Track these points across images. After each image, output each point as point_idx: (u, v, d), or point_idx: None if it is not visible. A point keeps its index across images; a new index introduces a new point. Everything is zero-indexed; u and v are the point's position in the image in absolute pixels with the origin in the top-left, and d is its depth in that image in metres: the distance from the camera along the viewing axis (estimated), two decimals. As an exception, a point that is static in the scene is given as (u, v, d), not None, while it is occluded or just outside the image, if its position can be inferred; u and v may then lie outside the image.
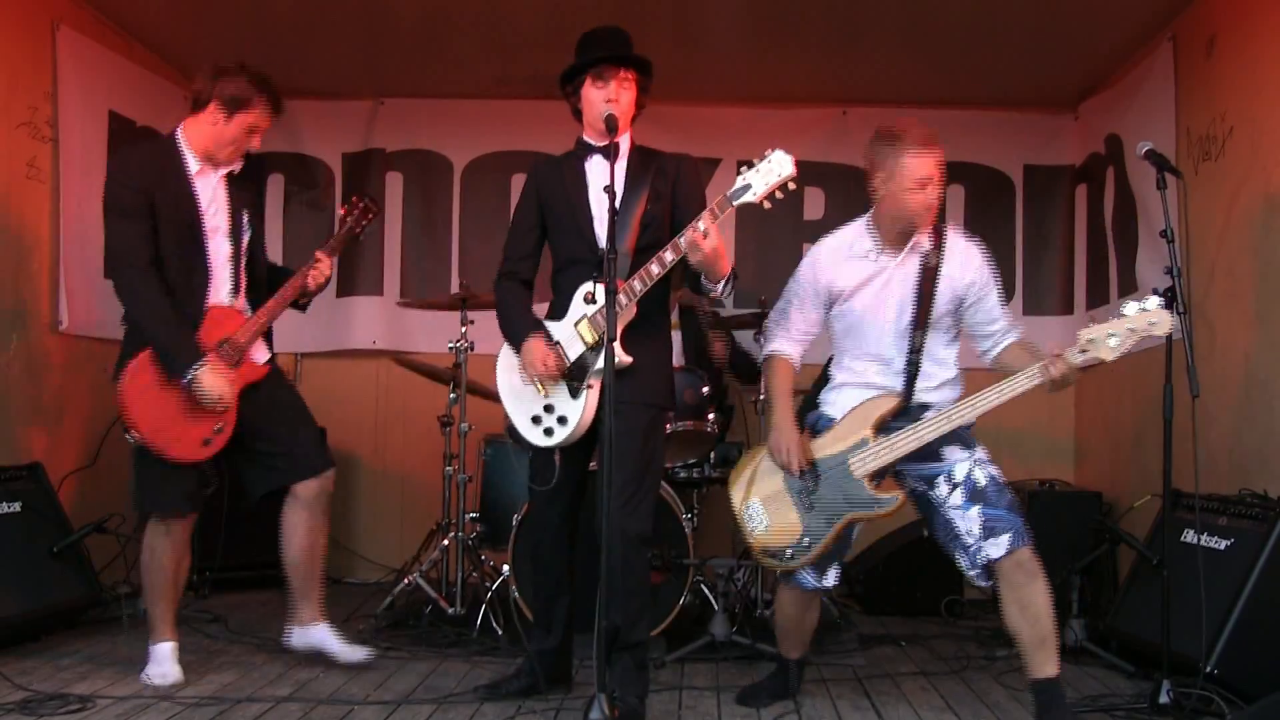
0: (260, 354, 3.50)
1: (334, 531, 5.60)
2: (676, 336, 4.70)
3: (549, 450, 3.18)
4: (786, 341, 3.24)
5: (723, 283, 3.06)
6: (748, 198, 2.95)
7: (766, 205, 2.98)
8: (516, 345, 3.17)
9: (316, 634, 3.63)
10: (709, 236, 2.91)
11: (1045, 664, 2.90)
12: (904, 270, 3.08)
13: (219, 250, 3.42)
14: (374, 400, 5.88)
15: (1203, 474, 3.38)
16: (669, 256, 2.99)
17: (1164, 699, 3.10)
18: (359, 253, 5.80)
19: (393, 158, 5.88)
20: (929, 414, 3.01)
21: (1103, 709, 3.22)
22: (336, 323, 5.77)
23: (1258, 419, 3.88)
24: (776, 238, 5.70)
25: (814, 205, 5.64)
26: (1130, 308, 2.85)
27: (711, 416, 4.27)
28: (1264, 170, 3.87)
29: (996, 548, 2.88)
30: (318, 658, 3.71)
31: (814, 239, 5.61)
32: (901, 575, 4.87)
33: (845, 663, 3.85)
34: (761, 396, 4.52)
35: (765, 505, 3.14)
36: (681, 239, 2.95)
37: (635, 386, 3.05)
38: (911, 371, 3.06)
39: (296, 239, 5.79)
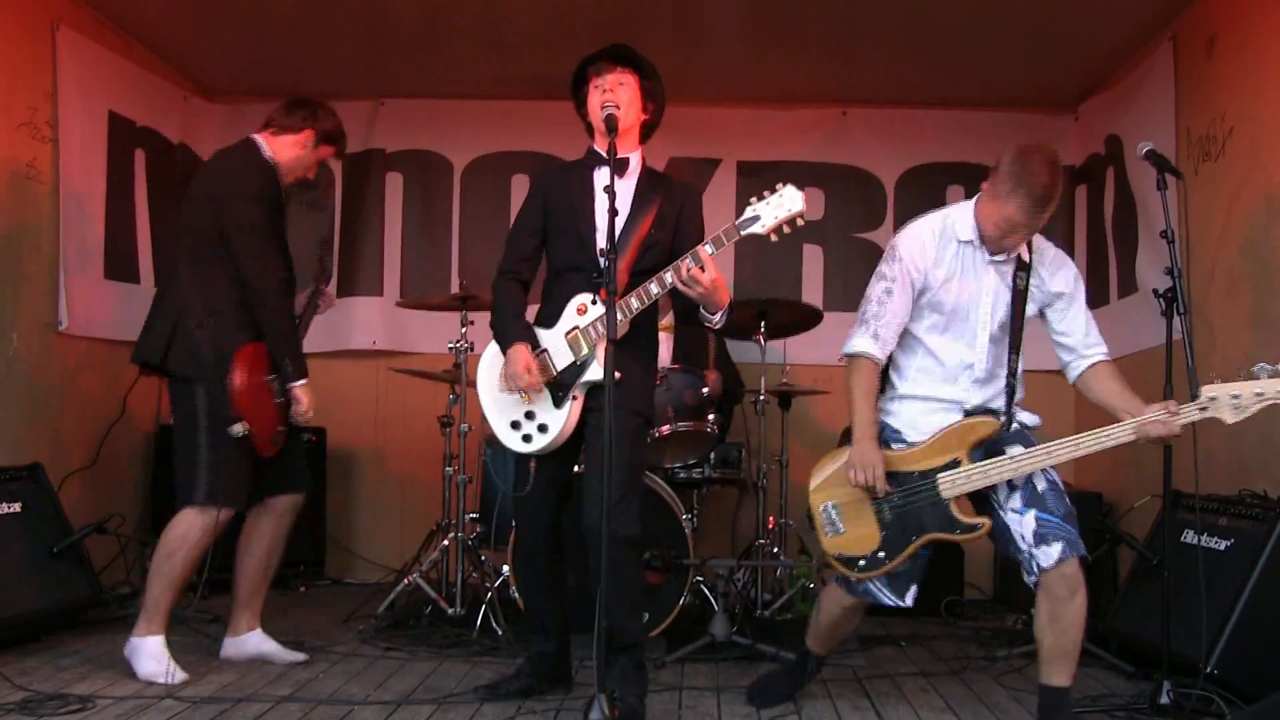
0: None
1: (334, 531, 5.68)
2: (669, 339, 4.70)
3: (525, 457, 3.20)
4: (877, 341, 3.02)
5: (720, 314, 3.04)
6: (755, 229, 2.94)
7: (773, 238, 2.97)
8: (504, 346, 3.16)
9: (252, 641, 3.68)
10: (707, 270, 2.90)
11: (1059, 674, 2.85)
12: (999, 268, 2.99)
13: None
14: (374, 400, 5.88)
15: (1203, 474, 3.37)
16: (669, 278, 2.97)
17: (1164, 699, 3.10)
18: (359, 253, 5.80)
19: (393, 158, 5.89)
20: (1016, 426, 3.00)
21: (1103, 709, 3.22)
22: (336, 323, 5.76)
23: (1258, 420, 3.86)
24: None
25: (814, 205, 5.60)
26: (1263, 369, 2.77)
27: (711, 417, 4.26)
28: (1264, 170, 3.87)
29: (1047, 556, 2.80)
30: (318, 659, 3.73)
31: (814, 239, 5.75)
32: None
33: (845, 663, 3.85)
34: (762, 397, 4.53)
35: (844, 510, 3.04)
36: (683, 264, 2.94)
37: (624, 396, 3.03)
38: (1009, 393, 3.01)
39: (296, 239, 5.61)
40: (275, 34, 4.98)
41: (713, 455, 4.48)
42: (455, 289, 4.76)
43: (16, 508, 3.88)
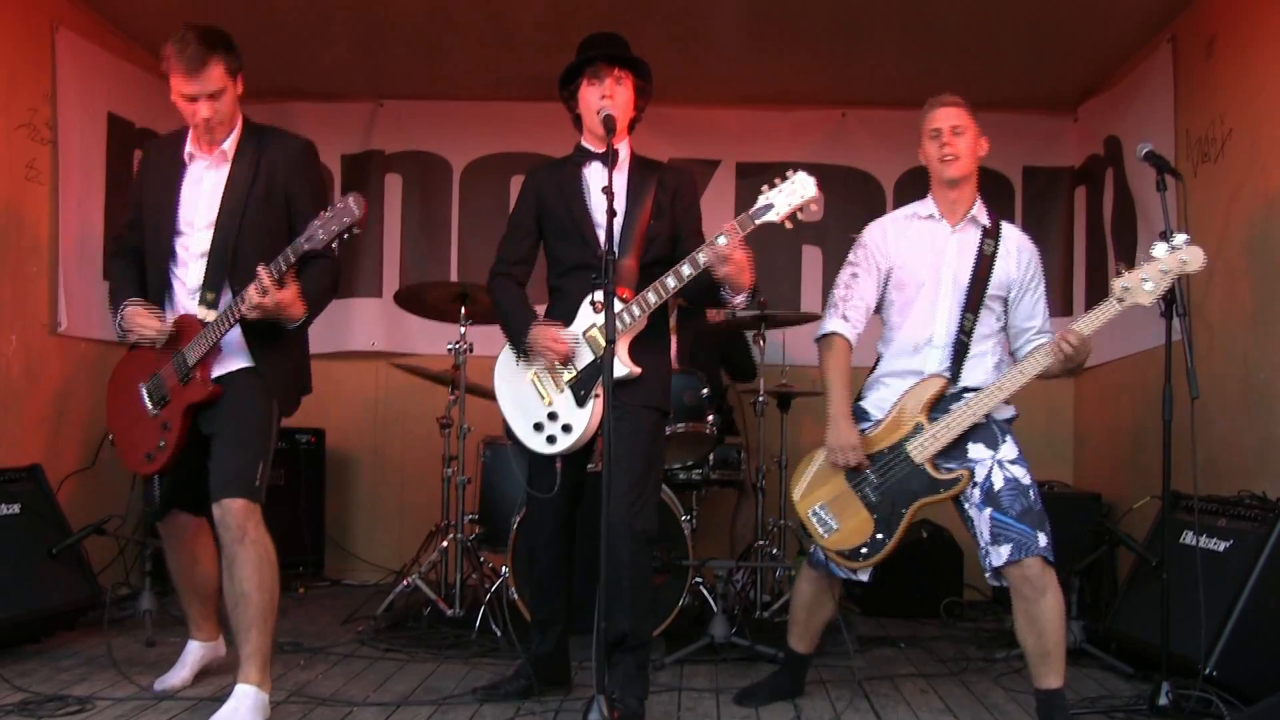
0: (220, 367, 3.03)
1: (333, 532, 5.68)
2: (672, 340, 4.69)
3: (550, 458, 3.14)
4: (847, 322, 3.14)
5: (743, 295, 3.04)
6: (769, 217, 2.92)
7: (788, 225, 2.95)
8: (520, 335, 3.13)
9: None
10: (738, 249, 2.89)
11: (1047, 676, 2.89)
12: (961, 238, 3.09)
13: (195, 244, 3.08)
14: (373, 402, 5.88)
15: (1202, 475, 3.38)
16: (686, 271, 2.96)
17: (1163, 701, 3.09)
18: (358, 254, 5.80)
19: (392, 159, 5.89)
20: (984, 420, 2.99)
21: (1102, 710, 3.22)
22: (336, 324, 5.76)
23: (1257, 420, 3.88)
24: (776, 239, 5.66)
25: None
26: (1160, 249, 2.86)
27: (710, 418, 4.26)
28: (1263, 171, 3.87)
29: (998, 556, 2.87)
30: (318, 660, 3.72)
31: (814, 240, 5.76)
32: (901, 577, 4.85)
33: (845, 664, 3.84)
34: (761, 398, 4.52)
35: (831, 507, 3.09)
36: (700, 255, 2.92)
37: (640, 392, 3.06)
38: (959, 352, 3.04)
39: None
40: (275, 34, 4.97)
41: (712, 456, 4.47)
42: (455, 290, 4.75)
43: (15, 509, 3.88)
